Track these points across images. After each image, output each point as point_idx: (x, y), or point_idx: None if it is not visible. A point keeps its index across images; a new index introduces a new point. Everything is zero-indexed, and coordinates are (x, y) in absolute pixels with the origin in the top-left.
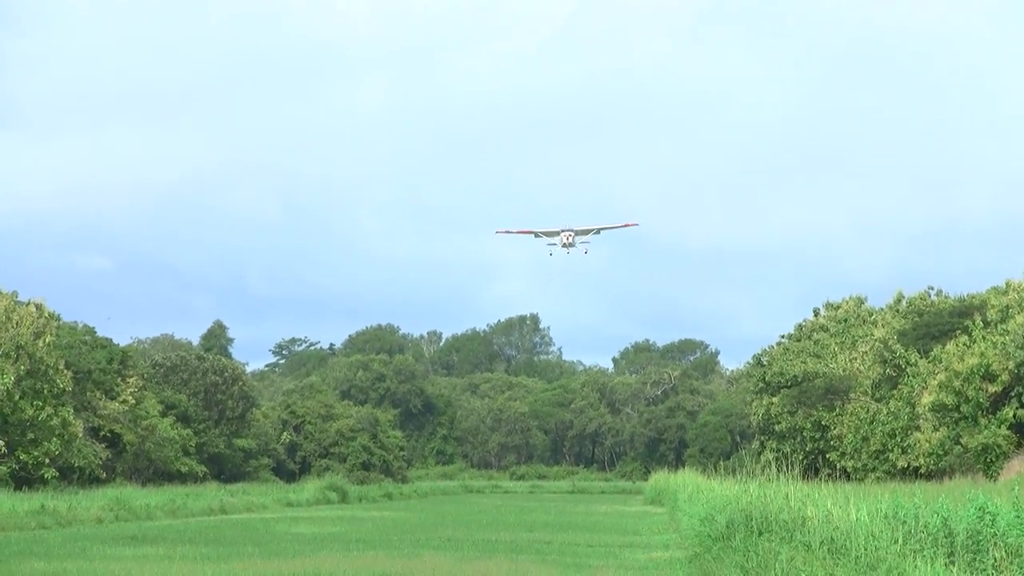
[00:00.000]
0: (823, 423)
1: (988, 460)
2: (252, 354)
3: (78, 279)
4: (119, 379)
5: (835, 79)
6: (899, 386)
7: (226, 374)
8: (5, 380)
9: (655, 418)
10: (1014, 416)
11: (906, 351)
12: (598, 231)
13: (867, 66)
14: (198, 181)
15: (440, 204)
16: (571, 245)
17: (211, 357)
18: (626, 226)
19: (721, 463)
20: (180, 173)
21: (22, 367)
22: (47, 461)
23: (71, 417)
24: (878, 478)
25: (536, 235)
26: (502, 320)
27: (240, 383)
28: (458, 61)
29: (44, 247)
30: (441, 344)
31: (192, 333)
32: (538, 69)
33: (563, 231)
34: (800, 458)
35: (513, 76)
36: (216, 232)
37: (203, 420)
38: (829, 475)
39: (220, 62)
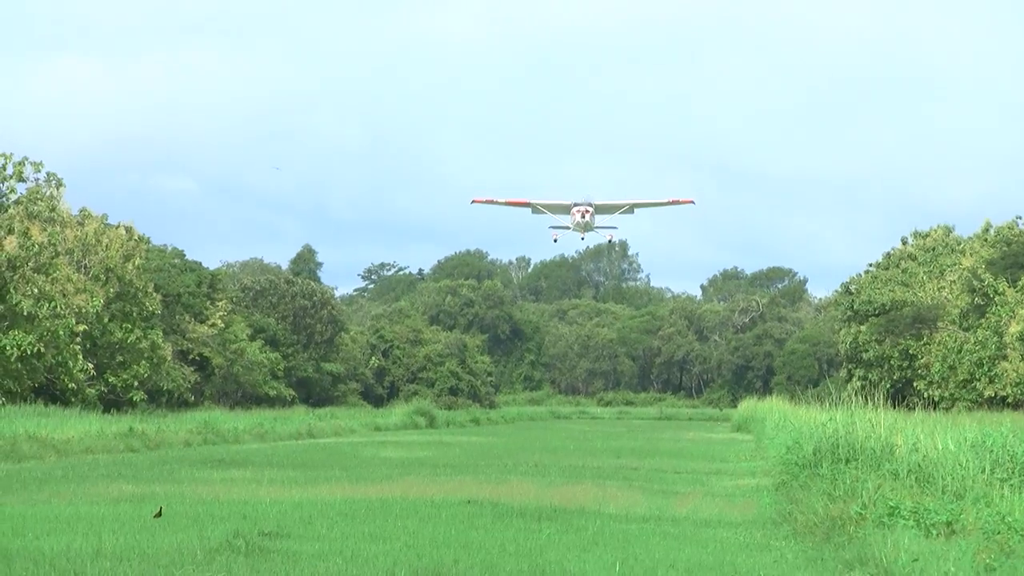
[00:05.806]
0: (910, 352)
1: None
2: (340, 279)
3: (165, 202)
4: (208, 302)
5: (926, 1)
6: (987, 315)
7: (315, 298)
8: (95, 303)
9: (743, 345)
10: None
11: (994, 280)
12: (631, 208)
13: None
14: (281, 104)
15: (528, 130)
16: (589, 227)
17: (300, 281)
18: (674, 203)
19: (808, 391)
20: (263, 96)
21: (111, 290)
22: (136, 384)
23: (160, 340)
24: (965, 407)
25: (534, 209)
26: (590, 247)
27: (329, 307)
28: None
29: (130, 170)
30: (529, 270)
31: (280, 257)
32: None
33: (576, 206)
34: (887, 387)
35: (602, 1)
36: (300, 155)
37: (291, 344)
38: (916, 404)
39: None
